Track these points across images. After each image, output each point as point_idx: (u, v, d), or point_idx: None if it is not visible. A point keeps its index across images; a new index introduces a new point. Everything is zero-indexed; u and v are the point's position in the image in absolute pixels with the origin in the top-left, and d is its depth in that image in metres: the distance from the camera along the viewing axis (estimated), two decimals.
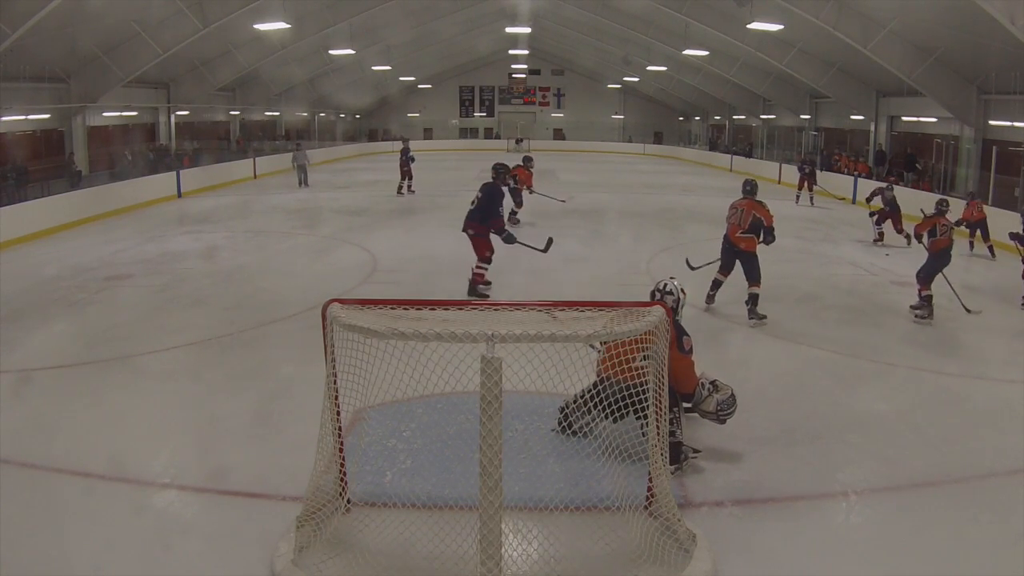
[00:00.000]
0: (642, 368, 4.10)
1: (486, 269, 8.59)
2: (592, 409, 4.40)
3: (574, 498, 3.97)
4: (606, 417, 4.24)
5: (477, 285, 8.53)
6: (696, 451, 4.64)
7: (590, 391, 4.44)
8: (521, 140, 38.61)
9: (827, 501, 4.34)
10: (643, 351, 4.17)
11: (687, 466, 4.52)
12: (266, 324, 7.59)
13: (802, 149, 26.96)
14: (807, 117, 26.26)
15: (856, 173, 20.10)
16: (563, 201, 15.46)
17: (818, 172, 19.02)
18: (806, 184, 18.13)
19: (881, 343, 7.29)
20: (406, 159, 18.22)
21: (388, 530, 3.76)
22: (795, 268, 10.49)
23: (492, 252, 8.61)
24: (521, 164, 14.21)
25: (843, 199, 18.87)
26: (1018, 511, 4.20)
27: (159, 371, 6.29)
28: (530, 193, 14.39)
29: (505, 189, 13.36)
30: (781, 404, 5.57)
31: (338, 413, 3.85)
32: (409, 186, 18.46)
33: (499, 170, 8.94)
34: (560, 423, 4.91)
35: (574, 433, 4.79)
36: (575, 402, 4.67)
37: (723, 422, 4.72)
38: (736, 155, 29.47)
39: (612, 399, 4.20)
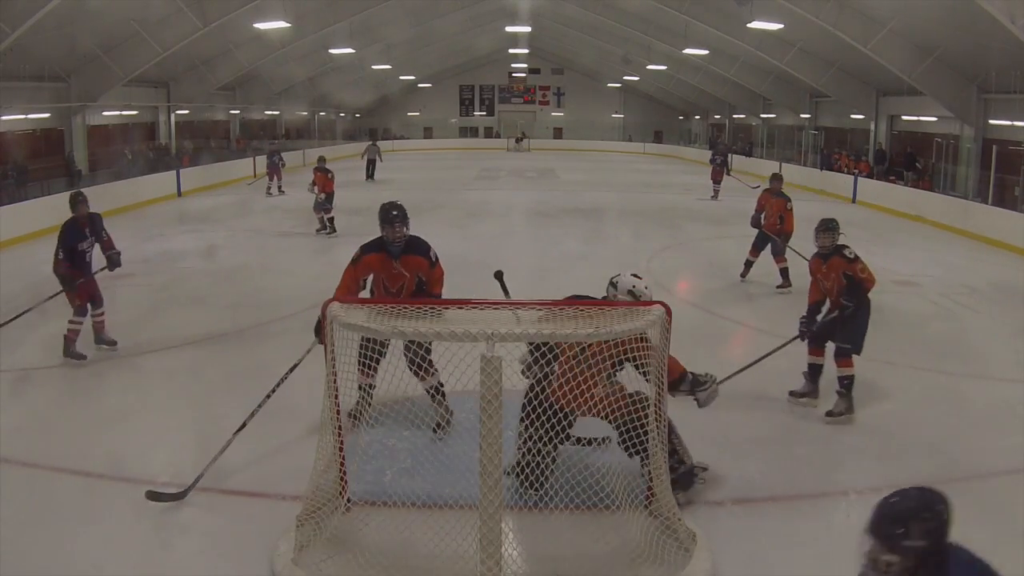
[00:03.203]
0: (610, 399, 3.88)
1: (79, 324, 6.41)
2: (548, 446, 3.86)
3: (574, 498, 3.96)
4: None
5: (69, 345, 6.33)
6: (704, 467, 4.33)
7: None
8: (521, 139, 38.61)
9: (827, 501, 4.33)
10: (608, 374, 3.93)
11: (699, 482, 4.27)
12: (266, 323, 7.60)
13: (801, 148, 26.96)
14: (807, 116, 26.25)
15: (856, 172, 20.10)
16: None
17: (730, 159, 18.96)
18: (721, 177, 18.11)
19: (881, 343, 7.27)
20: (273, 162, 18.42)
21: (388, 529, 3.76)
22: (795, 267, 10.46)
23: (81, 302, 6.37)
24: (318, 168, 12.99)
25: (756, 187, 18.84)
26: (1018, 511, 4.19)
27: (159, 370, 6.29)
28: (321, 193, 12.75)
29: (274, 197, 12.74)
30: (781, 404, 5.57)
31: (338, 412, 3.85)
32: (279, 187, 18.47)
33: (73, 199, 6.49)
34: (518, 477, 4.04)
35: (534, 487, 3.95)
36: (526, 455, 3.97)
37: (699, 400, 4.12)
38: (736, 154, 29.44)
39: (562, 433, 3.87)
